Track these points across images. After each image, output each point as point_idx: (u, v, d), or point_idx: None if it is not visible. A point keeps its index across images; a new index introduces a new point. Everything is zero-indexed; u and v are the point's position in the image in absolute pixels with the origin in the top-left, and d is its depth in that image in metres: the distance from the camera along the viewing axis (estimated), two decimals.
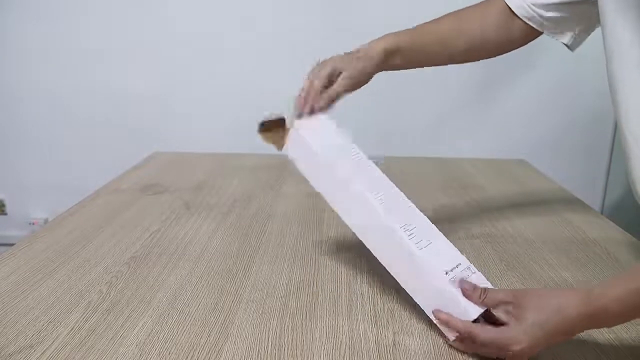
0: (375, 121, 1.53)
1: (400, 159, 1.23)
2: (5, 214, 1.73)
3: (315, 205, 0.95)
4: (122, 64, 1.54)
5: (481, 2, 0.78)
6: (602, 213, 1.38)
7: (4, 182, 1.69)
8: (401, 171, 1.17)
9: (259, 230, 0.84)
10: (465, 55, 0.78)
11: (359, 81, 0.74)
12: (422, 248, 0.57)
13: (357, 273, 0.70)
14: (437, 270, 0.55)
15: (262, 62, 1.52)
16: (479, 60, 0.79)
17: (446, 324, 0.54)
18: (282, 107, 1.67)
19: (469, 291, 0.54)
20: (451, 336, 0.54)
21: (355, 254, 0.76)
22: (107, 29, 1.51)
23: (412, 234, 0.58)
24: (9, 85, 1.58)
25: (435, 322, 0.56)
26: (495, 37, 0.75)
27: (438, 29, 0.78)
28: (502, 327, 0.51)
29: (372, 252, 0.62)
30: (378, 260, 0.74)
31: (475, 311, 0.53)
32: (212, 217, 0.90)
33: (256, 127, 0.70)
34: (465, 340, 0.53)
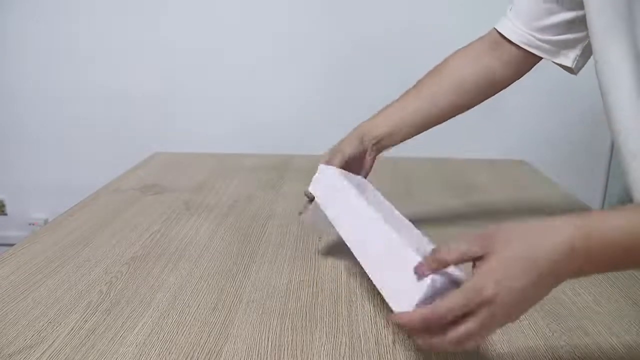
0: None
1: (400, 159, 1.22)
2: (6, 214, 1.73)
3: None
4: (122, 64, 1.54)
5: (469, 46, 0.79)
6: None
7: (4, 182, 1.69)
8: (401, 171, 1.17)
9: (259, 231, 0.84)
10: (471, 104, 0.79)
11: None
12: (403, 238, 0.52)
13: (357, 273, 0.70)
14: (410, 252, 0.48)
15: (262, 62, 1.52)
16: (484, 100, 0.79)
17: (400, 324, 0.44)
18: (282, 107, 1.67)
19: (421, 265, 0.45)
20: (419, 340, 0.43)
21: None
22: (108, 29, 1.51)
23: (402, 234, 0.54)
24: (9, 85, 1.58)
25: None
26: (490, 73, 0.76)
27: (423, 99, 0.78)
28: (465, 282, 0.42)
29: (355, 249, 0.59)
30: None
31: (421, 284, 0.43)
32: (212, 217, 0.90)
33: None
34: (432, 332, 0.42)
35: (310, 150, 1.36)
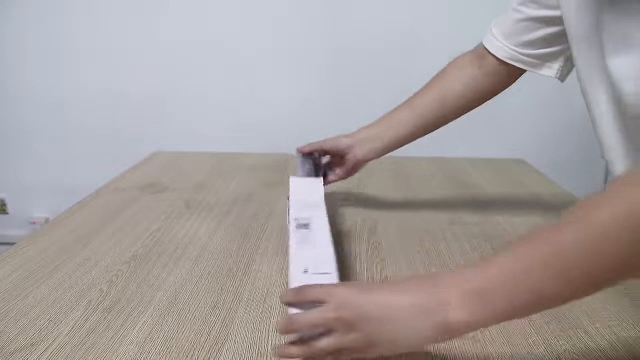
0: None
1: (400, 158, 1.22)
2: (7, 213, 1.73)
3: None
4: (122, 64, 1.54)
5: (455, 60, 0.83)
6: None
7: (6, 181, 1.69)
8: (401, 171, 1.17)
9: (259, 230, 0.84)
10: (456, 114, 0.82)
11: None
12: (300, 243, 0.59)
13: (356, 273, 0.70)
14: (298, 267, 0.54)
15: (262, 62, 1.52)
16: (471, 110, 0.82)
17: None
18: (282, 107, 1.67)
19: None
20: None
21: (355, 253, 0.76)
22: (108, 29, 1.51)
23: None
24: (10, 85, 1.58)
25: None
26: (479, 86, 0.79)
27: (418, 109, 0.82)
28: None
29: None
30: (378, 260, 0.74)
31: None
32: (212, 216, 0.90)
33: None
34: (303, 347, 0.45)
35: None
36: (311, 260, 0.55)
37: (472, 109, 0.81)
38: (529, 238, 0.41)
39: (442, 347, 0.54)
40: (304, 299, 0.46)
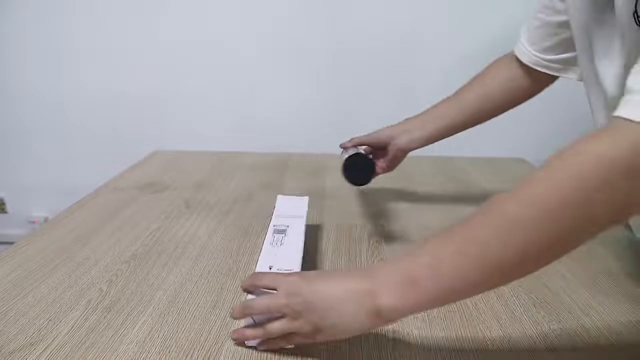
0: (378, 121, 1.53)
1: None
2: (6, 212, 1.73)
3: (315, 204, 0.95)
4: (122, 63, 1.54)
5: (493, 64, 0.84)
6: None
7: (4, 180, 1.69)
8: (402, 170, 1.17)
9: (259, 229, 0.84)
10: (494, 112, 0.84)
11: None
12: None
13: None
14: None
15: (262, 61, 1.52)
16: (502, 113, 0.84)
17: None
18: (282, 106, 1.67)
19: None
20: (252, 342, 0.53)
21: (354, 254, 0.76)
22: (108, 29, 1.51)
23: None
24: (9, 84, 1.58)
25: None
26: (514, 89, 0.81)
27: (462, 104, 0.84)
28: None
29: None
30: (378, 260, 0.74)
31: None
32: (212, 215, 0.90)
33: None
34: (256, 329, 0.51)
35: (309, 148, 1.36)
36: (278, 257, 0.59)
37: (509, 108, 0.83)
38: (451, 229, 0.44)
39: (443, 346, 0.54)
40: (256, 284, 0.51)
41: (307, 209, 0.76)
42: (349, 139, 0.86)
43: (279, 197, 0.81)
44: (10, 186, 1.70)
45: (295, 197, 0.81)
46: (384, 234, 0.83)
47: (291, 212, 0.74)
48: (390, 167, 0.86)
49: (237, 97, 1.56)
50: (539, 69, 0.76)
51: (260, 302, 0.50)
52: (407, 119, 0.85)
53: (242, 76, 1.54)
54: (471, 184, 1.10)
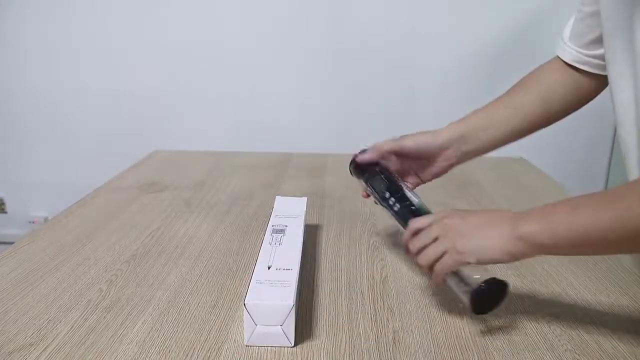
0: (378, 121, 1.53)
1: None
2: (5, 212, 1.73)
3: (315, 204, 0.95)
4: (122, 63, 1.54)
5: (539, 68, 0.75)
6: None
7: (4, 180, 1.69)
8: None
9: (259, 229, 0.84)
10: (557, 116, 0.74)
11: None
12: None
13: (357, 273, 0.70)
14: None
15: (262, 61, 1.52)
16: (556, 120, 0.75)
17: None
18: (282, 106, 1.67)
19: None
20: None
21: (355, 253, 0.76)
22: (107, 28, 1.51)
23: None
24: (9, 84, 1.58)
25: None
26: (564, 92, 0.72)
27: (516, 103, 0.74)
28: None
29: None
30: (377, 260, 0.74)
31: None
32: (212, 215, 0.90)
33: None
34: (412, 239, 0.60)
35: (309, 148, 1.36)
36: (277, 257, 0.61)
37: (572, 112, 0.74)
38: (591, 193, 0.50)
39: (443, 346, 0.54)
40: (416, 226, 0.60)
41: (305, 209, 0.76)
42: (368, 144, 0.74)
43: (278, 197, 0.81)
44: (10, 186, 1.70)
45: (293, 198, 0.81)
46: (384, 235, 0.83)
47: (289, 212, 0.74)
48: (425, 181, 0.77)
49: (237, 97, 1.56)
50: (578, 65, 0.69)
51: (423, 218, 0.60)
52: (451, 125, 0.73)
53: (242, 76, 1.54)
54: (470, 182, 1.10)
